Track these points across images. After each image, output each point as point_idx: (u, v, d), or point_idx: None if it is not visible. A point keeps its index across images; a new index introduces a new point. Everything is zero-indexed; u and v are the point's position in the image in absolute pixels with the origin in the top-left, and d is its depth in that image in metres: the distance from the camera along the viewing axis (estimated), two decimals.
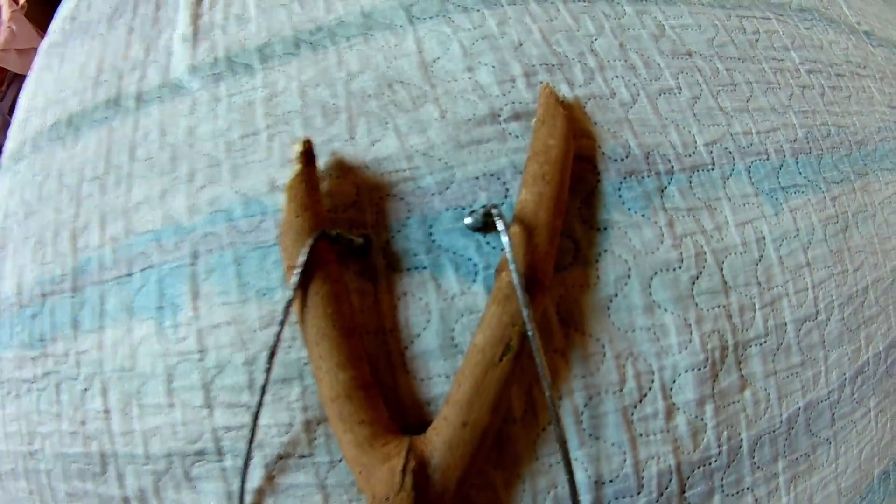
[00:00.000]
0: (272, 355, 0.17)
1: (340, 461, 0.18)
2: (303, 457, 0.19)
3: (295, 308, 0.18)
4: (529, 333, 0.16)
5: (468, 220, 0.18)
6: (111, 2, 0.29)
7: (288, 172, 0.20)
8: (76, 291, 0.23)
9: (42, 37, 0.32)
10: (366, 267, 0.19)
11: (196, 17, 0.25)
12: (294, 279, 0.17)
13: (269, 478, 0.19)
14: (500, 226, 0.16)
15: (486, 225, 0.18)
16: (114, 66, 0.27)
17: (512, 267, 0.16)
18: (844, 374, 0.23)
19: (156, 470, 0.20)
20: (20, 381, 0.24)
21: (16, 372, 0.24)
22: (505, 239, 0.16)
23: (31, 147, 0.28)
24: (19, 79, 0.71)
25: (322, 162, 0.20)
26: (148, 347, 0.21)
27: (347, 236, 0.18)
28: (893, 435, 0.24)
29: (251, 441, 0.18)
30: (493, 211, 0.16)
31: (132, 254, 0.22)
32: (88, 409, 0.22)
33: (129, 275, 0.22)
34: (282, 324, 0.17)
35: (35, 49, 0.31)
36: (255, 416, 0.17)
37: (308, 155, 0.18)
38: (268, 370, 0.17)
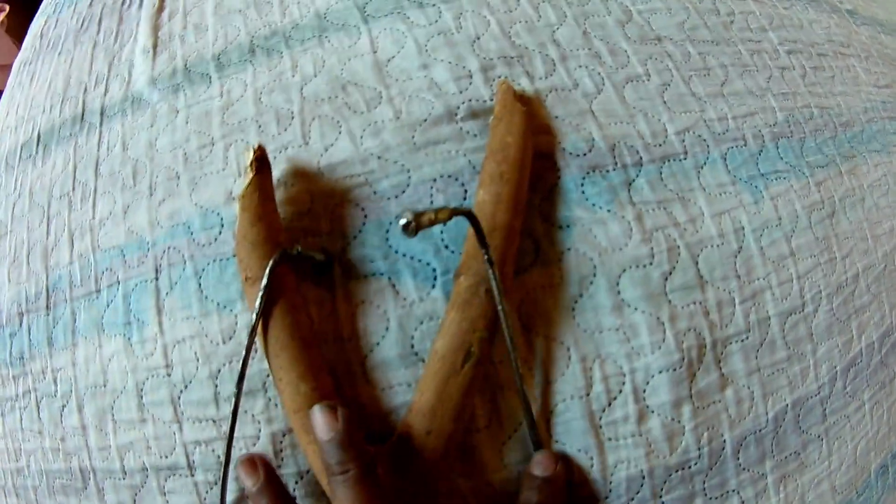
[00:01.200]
0: (241, 378, 0.17)
1: (308, 472, 0.18)
2: None
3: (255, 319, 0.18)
4: (503, 319, 0.15)
5: (423, 219, 0.17)
6: (78, 17, 0.29)
7: (241, 185, 0.20)
8: (49, 309, 0.23)
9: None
10: (324, 275, 0.18)
11: (156, 28, 0.25)
12: (257, 302, 0.17)
13: (240, 490, 0.19)
14: (469, 224, 0.16)
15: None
16: (79, 82, 0.27)
17: (477, 247, 0.15)
18: (835, 367, 0.21)
19: (132, 484, 0.21)
20: (4, 399, 0.24)
21: (0, 390, 0.25)
22: (476, 234, 0.16)
23: (3, 167, 0.28)
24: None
25: (278, 170, 0.20)
26: (118, 363, 0.21)
27: (308, 254, 0.18)
28: (890, 427, 0.23)
29: (227, 457, 0.17)
30: (461, 211, 0.16)
31: (99, 270, 0.22)
32: (66, 425, 0.22)
33: (98, 291, 0.22)
34: (248, 347, 0.17)
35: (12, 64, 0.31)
36: (231, 434, 0.17)
37: (261, 162, 0.18)
38: (237, 392, 0.17)
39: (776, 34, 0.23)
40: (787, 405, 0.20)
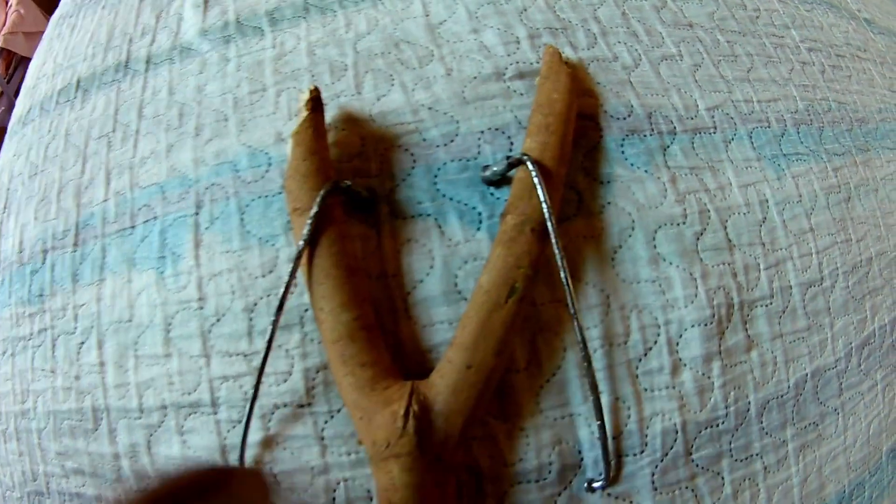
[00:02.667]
0: (281, 305, 0.17)
1: (339, 411, 0.18)
2: (301, 406, 0.18)
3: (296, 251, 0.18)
4: (549, 223, 0.16)
5: (487, 173, 0.18)
6: None
7: (295, 123, 0.20)
8: (77, 246, 0.23)
9: (48, 20, 0.33)
10: (369, 214, 0.19)
11: None
12: (306, 228, 0.17)
13: (266, 429, 0.18)
14: (530, 166, 0.16)
15: (501, 178, 0.18)
16: (124, 33, 0.27)
17: (540, 191, 0.16)
18: (851, 343, 0.22)
19: (149, 424, 0.20)
20: (16, 339, 0.24)
21: (12, 330, 0.24)
22: (535, 177, 0.16)
23: (38, 111, 0.28)
24: (26, 62, 0.72)
25: (329, 115, 0.20)
26: (147, 297, 0.20)
27: (356, 189, 0.18)
28: None
29: (256, 390, 0.17)
30: (524, 157, 0.17)
31: (136, 207, 0.22)
32: (83, 363, 0.21)
33: (132, 227, 0.22)
34: (292, 272, 0.16)
35: (41, 33, 0.31)
36: (262, 366, 0.17)
37: (316, 102, 0.19)
38: (275, 321, 0.17)
39: (798, 32, 0.25)
40: (808, 374, 0.21)
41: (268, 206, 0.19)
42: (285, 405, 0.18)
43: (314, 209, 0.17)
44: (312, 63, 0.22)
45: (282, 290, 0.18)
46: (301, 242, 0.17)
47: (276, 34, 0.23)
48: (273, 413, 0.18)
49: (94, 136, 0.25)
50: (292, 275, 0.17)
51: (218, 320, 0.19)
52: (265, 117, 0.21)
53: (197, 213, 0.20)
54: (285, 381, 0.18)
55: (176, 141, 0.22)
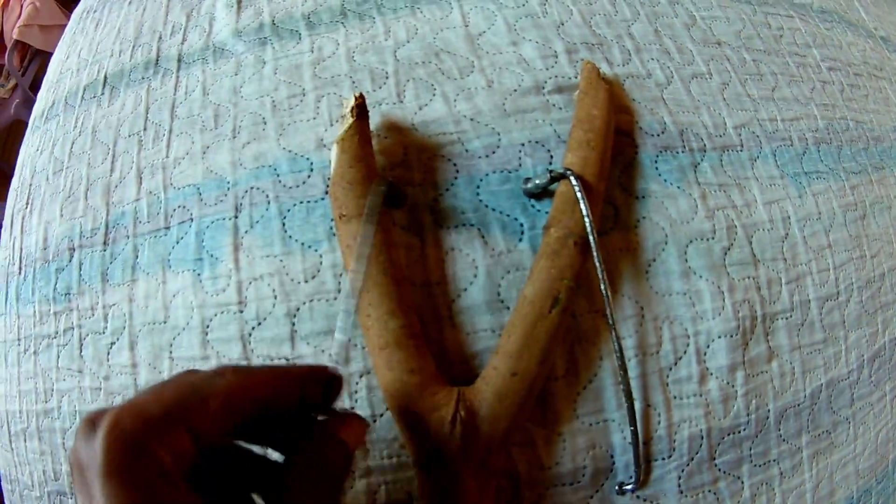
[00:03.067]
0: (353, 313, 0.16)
1: (382, 415, 0.18)
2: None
3: (343, 257, 0.18)
4: (591, 238, 0.17)
5: (529, 185, 0.19)
6: None
7: (336, 131, 0.21)
8: (108, 245, 0.23)
9: (65, 14, 0.32)
10: (412, 222, 0.19)
11: None
12: (370, 215, 0.16)
13: None
14: (573, 181, 0.17)
15: (543, 191, 0.19)
16: (153, 30, 0.27)
17: (583, 205, 0.16)
18: (863, 355, 0.23)
19: None
20: (40, 336, 0.24)
21: (35, 328, 0.24)
22: (578, 192, 0.17)
23: (62, 106, 0.28)
24: (41, 55, 0.71)
25: (372, 123, 0.20)
26: (183, 299, 0.21)
27: (400, 187, 0.18)
28: None
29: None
30: (567, 172, 0.17)
31: (170, 207, 0.22)
32: (114, 363, 0.21)
33: (167, 228, 0.22)
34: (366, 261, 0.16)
35: (58, 26, 0.31)
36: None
37: (361, 109, 0.19)
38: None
39: (819, 51, 0.26)
40: (823, 384, 0.22)
41: (310, 212, 0.20)
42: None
43: (377, 199, 0.16)
44: (352, 69, 0.22)
45: (324, 295, 0.18)
46: (371, 227, 0.16)
47: (313, 38, 0.23)
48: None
49: (123, 133, 0.24)
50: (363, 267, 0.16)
51: (259, 324, 0.19)
52: (305, 122, 0.21)
53: (236, 216, 0.21)
54: None
55: (212, 142, 0.22)
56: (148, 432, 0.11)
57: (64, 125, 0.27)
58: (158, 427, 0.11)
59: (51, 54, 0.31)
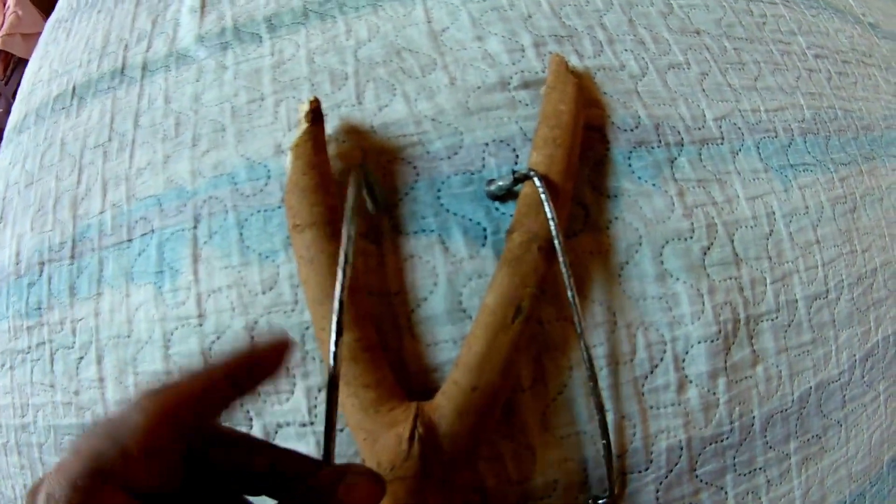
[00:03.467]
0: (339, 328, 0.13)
1: (342, 431, 0.18)
2: (303, 426, 0.18)
3: (299, 268, 0.18)
4: (556, 241, 0.16)
5: (492, 187, 0.18)
6: None
7: (294, 135, 0.20)
8: (74, 258, 0.22)
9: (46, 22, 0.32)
10: (370, 229, 0.18)
11: None
12: (348, 214, 0.14)
13: None
14: (537, 182, 0.16)
15: (507, 192, 0.18)
16: (120, 38, 0.27)
17: (547, 207, 0.15)
18: (854, 355, 0.22)
19: None
20: (14, 351, 0.23)
21: (10, 343, 0.24)
22: (542, 193, 0.16)
23: (34, 118, 0.27)
24: (24, 63, 0.71)
25: (330, 126, 0.20)
26: (145, 312, 0.20)
27: (370, 180, 0.17)
28: None
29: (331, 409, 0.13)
30: (531, 172, 0.16)
31: (133, 219, 0.21)
32: (83, 378, 0.21)
33: (130, 240, 0.21)
34: (344, 269, 0.13)
35: (39, 34, 0.31)
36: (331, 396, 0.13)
37: (316, 114, 0.18)
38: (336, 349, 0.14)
39: (805, 38, 0.25)
40: (811, 387, 0.21)
41: (267, 221, 0.19)
42: (288, 424, 0.18)
43: (352, 199, 0.14)
44: (312, 71, 0.21)
45: (282, 307, 0.17)
46: (351, 230, 0.13)
47: (274, 41, 0.22)
48: (276, 432, 0.18)
49: (90, 145, 0.24)
50: (345, 273, 0.13)
51: (218, 337, 0.19)
52: (264, 128, 0.21)
53: (195, 227, 0.20)
54: (287, 399, 0.18)
55: (173, 152, 0.22)
56: None
57: (35, 138, 0.27)
58: None
59: None
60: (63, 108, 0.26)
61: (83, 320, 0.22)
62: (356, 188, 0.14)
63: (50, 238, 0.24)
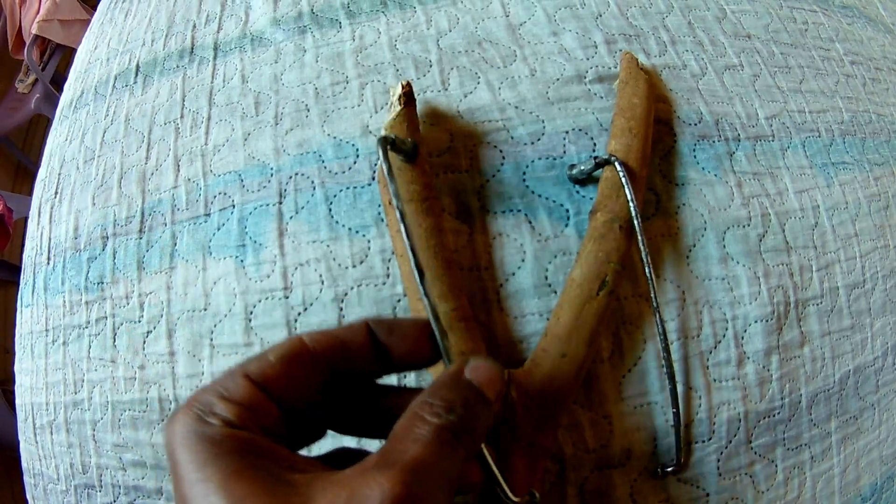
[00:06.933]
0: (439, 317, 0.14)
1: None
2: None
3: (394, 242, 0.19)
4: (635, 222, 0.17)
5: (574, 172, 0.19)
6: None
7: (382, 118, 0.21)
8: (143, 232, 0.23)
9: (84, 8, 0.32)
10: (460, 208, 0.19)
11: None
12: (387, 177, 0.15)
13: None
14: (618, 167, 0.17)
15: (587, 177, 0.19)
16: (186, 19, 0.27)
17: (628, 190, 0.17)
18: (887, 342, 0.24)
19: None
20: (70, 326, 0.23)
21: (65, 318, 0.24)
22: (623, 177, 0.17)
23: (92, 95, 0.27)
24: (61, 49, 0.70)
25: (417, 109, 0.21)
26: (225, 286, 0.21)
27: (399, 141, 0.17)
28: None
29: None
30: (612, 158, 0.18)
31: (210, 194, 0.22)
32: (150, 352, 0.21)
33: (207, 215, 0.22)
34: (405, 222, 0.14)
35: (78, 20, 0.31)
36: None
37: (408, 97, 0.19)
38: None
39: (842, 45, 0.27)
40: (850, 370, 0.22)
41: (357, 197, 0.20)
42: None
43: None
44: (395, 57, 0.22)
45: (373, 280, 0.18)
46: (400, 218, 0.14)
47: (354, 27, 0.23)
48: None
49: (159, 121, 0.24)
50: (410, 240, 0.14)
51: (305, 309, 0.19)
52: (349, 109, 0.21)
53: (280, 202, 0.21)
54: None
55: (253, 129, 0.22)
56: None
57: (94, 114, 0.27)
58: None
59: (71, 49, 0.31)
60: (126, 86, 0.26)
61: (153, 294, 0.22)
62: (384, 155, 0.15)
63: (115, 212, 0.24)
